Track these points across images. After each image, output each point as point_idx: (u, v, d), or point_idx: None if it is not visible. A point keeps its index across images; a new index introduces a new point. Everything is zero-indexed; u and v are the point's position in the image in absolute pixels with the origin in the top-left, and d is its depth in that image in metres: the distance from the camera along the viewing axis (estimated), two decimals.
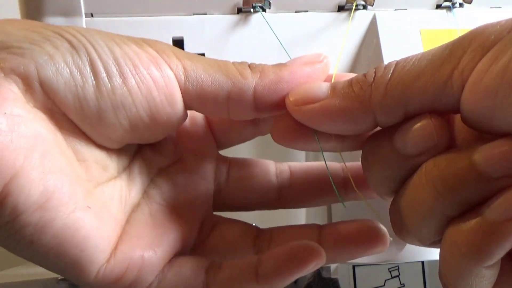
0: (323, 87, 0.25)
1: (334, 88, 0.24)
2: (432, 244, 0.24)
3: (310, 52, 0.42)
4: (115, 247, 0.25)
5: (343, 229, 0.31)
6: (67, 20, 0.39)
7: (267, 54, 0.42)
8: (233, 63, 0.27)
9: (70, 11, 0.39)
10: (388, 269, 0.42)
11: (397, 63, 0.23)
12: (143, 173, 0.29)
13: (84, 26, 0.39)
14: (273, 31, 0.42)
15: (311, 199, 0.33)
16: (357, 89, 0.23)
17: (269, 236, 0.32)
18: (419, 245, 0.25)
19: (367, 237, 0.30)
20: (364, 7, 0.42)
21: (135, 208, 0.28)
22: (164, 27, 0.41)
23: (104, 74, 0.24)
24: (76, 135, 0.25)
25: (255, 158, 0.34)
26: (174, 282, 0.27)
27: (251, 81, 0.26)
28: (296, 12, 0.42)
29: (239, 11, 0.41)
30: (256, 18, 0.42)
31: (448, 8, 0.43)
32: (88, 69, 0.23)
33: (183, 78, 0.26)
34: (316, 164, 0.34)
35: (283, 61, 0.43)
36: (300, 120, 0.25)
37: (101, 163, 0.26)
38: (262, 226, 0.44)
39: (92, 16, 0.40)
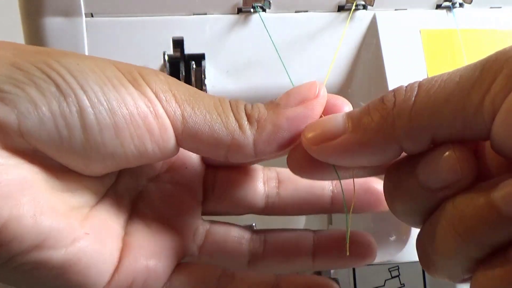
0: (339, 121, 0.23)
1: (351, 119, 0.23)
2: (464, 281, 0.22)
3: (310, 52, 0.43)
4: (119, 262, 0.25)
5: (336, 238, 0.31)
6: (67, 20, 0.39)
7: (267, 54, 0.42)
8: (232, 108, 0.25)
9: (70, 11, 0.39)
10: (388, 269, 0.42)
11: (421, 85, 0.22)
12: (131, 186, 0.28)
13: (84, 26, 0.39)
14: (268, 33, 0.42)
15: (298, 210, 0.33)
16: (377, 118, 0.22)
17: (264, 240, 0.32)
18: (450, 281, 0.23)
19: (357, 249, 0.30)
20: (364, 7, 0.42)
21: (130, 221, 0.27)
22: (164, 27, 0.41)
23: (96, 127, 0.22)
24: (62, 171, 0.23)
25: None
26: None
27: (249, 136, 0.25)
28: (296, 12, 0.42)
29: (239, 11, 0.41)
30: (256, 18, 0.42)
31: (448, 8, 0.43)
32: (77, 120, 0.21)
33: (180, 128, 0.24)
34: None
35: (283, 61, 0.43)
36: (319, 159, 0.24)
37: (91, 188, 0.25)
38: (262, 226, 0.44)
39: (92, 16, 0.40)
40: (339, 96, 0.28)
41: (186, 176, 0.30)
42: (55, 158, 0.22)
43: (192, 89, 0.25)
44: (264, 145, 0.25)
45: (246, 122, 0.25)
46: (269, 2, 0.41)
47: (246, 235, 0.32)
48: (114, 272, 0.24)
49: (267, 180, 0.32)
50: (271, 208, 0.32)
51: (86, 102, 0.22)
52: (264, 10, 0.42)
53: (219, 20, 0.42)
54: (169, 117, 0.24)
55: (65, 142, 0.22)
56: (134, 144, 0.23)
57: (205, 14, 0.41)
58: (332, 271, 0.38)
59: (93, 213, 0.25)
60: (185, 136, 0.24)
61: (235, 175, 0.32)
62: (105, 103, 0.22)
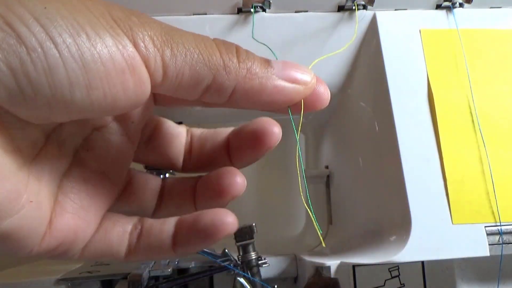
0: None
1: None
2: None
3: (310, 52, 0.43)
4: (50, 222, 0.23)
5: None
6: None
7: (267, 54, 0.42)
8: (219, 46, 0.24)
9: None
10: (388, 269, 0.42)
11: None
12: (76, 133, 0.26)
13: None
14: (254, 36, 0.42)
15: (207, 167, 0.32)
16: None
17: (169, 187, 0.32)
18: None
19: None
20: (364, 7, 0.42)
21: (68, 172, 0.25)
22: None
23: (67, 86, 0.19)
24: (5, 121, 0.20)
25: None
26: (100, 247, 0.26)
27: (233, 79, 0.24)
28: (296, 12, 0.42)
29: (239, 11, 0.41)
30: (256, 18, 0.42)
31: (448, 8, 0.43)
32: (44, 79, 0.19)
33: (159, 78, 0.22)
34: (215, 131, 0.33)
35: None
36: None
37: (33, 136, 0.23)
38: (262, 226, 0.44)
39: None
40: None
41: (130, 129, 0.29)
42: (8, 110, 0.19)
43: (168, 27, 0.23)
44: (242, 95, 0.25)
45: (235, 61, 0.24)
46: (269, 2, 0.41)
47: (157, 182, 0.32)
48: (44, 235, 0.23)
49: (189, 141, 0.33)
50: (186, 165, 0.32)
51: (56, 59, 0.19)
52: (264, 10, 0.42)
53: (219, 20, 0.42)
54: (148, 70, 0.22)
55: (28, 99, 0.19)
56: (106, 102, 0.21)
57: (205, 14, 0.41)
58: (332, 271, 0.38)
59: (34, 169, 0.23)
60: (163, 84, 0.23)
61: (165, 133, 0.32)
62: (79, 60, 0.19)
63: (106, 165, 0.27)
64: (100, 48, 0.20)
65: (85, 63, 0.19)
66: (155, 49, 0.22)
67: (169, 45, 0.22)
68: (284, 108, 0.27)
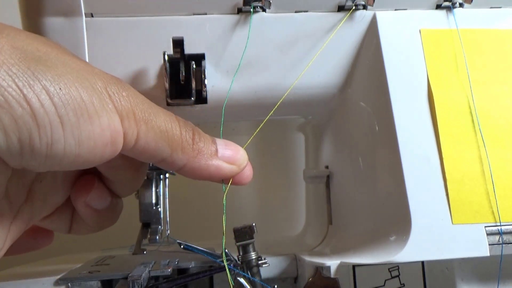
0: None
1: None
2: None
3: (310, 52, 0.43)
4: None
5: None
6: (67, 20, 0.39)
7: (267, 54, 0.42)
8: (181, 127, 0.30)
9: (70, 11, 0.39)
10: (388, 269, 0.42)
11: None
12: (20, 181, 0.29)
13: (84, 26, 0.39)
14: (248, 39, 0.42)
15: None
16: None
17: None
18: None
19: None
20: (364, 7, 0.42)
21: None
22: (164, 27, 0.41)
23: (60, 156, 0.24)
24: None
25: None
26: None
27: (185, 158, 0.30)
28: (296, 12, 0.42)
29: (239, 11, 0.41)
30: (256, 18, 0.42)
31: (448, 8, 0.43)
32: (44, 150, 0.23)
33: (130, 147, 0.27)
34: None
35: (283, 62, 0.43)
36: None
37: None
38: (262, 226, 0.44)
39: (92, 16, 0.40)
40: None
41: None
42: None
43: (147, 102, 0.28)
44: (189, 171, 0.31)
45: (190, 145, 0.30)
46: (269, 2, 0.41)
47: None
48: None
49: None
50: None
51: (60, 136, 0.23)
52: (264, 10, 0.42)
53: (219, 20, 0.42)
54: (124, 140, 0.27)
55: (24, 160, 0.23)
56: (81, 163, 0.26)
57: (205, 14, 0.41)
58: (332, 271, 0.38)
59: None
60: (131, 150, 0.28)
61: None
62: (77, 138, 0.24)
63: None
64: (97, 127, 0.25)
65: (81, 141, 0.24)
66: (135, 124, 0.27)
67: (146, 122, 0.28)
68: (217, 180, 0.33)
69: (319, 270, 0.39)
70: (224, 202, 0.35)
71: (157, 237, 0.48)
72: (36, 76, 0.23)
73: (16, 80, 0.22)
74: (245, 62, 0.42)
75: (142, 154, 0.28)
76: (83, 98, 0.24)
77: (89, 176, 0.33)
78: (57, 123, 0.23)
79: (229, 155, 0.33)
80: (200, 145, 0.31)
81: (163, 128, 0.29)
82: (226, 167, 0.32)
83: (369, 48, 0.43)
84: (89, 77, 0.26)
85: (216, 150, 0.32)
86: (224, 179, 0.33)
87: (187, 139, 0.30)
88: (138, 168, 0.32)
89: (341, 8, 0.42)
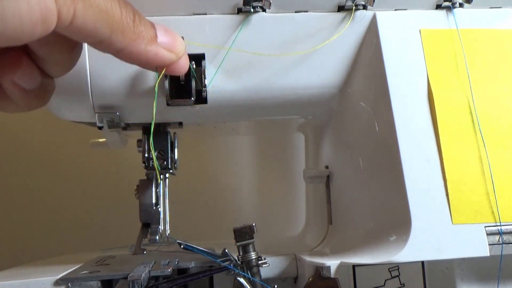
0: None
1: None
2: None
3: (310, 52, 0.43)
4: None
5: None
6: None
7: (266, 56, 0.42)
8: (122, 7, 0.28)
9: None
10: (388, 269, 0.42)
11: None
12: None
13: None
14: (238, 37, 0.42)
15: None
16: None
17: None
18: None
19: None
20: (364, 7, 0.42)
21: None
22: None
23: None
24: None
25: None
26: None
27: (125, 42, 0.29)
28: (296, 12, 0.42)
29: (239, 11, 0.41)
30: (256, 18, 0.42)
31: (448, 8, 0.43)
32: None
33: (65, 25, 0.26)
34: None
35: (283, 62, 0.43)
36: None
37: None
38: (262, 226, 0.44)
39: None
40: None
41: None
42: None
43: None
44: (126, 55, 0.30)
45: (132, 28, 0.29)
46: (269, 2, 0.41)
47: None
48: None
49: None
50: None
51: None
52: (264, 10, 0.42)
53: (219, 20, 0.42)
54: (58, 18, 0.25)
55: None
56: (13, 40, 0.25)
57: (205, 14, 0.41)
58: (332, 271, 0.38)
59: None
60: (66, 29, 0.26)
61: None
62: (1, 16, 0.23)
63: None
64: (23, 3, 0.23)
65: (4, 19, 0.23)
66: (71, 2, 0.25)
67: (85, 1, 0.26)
68: (153, 68, 0.33)
69: (319, 270, 0.40)
70: (156, 90, 0.36)
71: (157, 237, 0.48)
72: None
73: None
74: (245, 62, 0.42)
75: (79, 34, 0.27)
76: None
77: (17, 53, 0.30)
78: None
79: (168, 42, 0.32)
80: (140, 28, 0.30)
81: (102, 7, 0.27)
82: (165, 54, 0.32)
83: (369, 48, 0.43)
84: None
85: (156, 35, 0.31)
86: (159, 66, 0.32)
87: (128, 21, 0.29)
88: (73, 47, 0.31)
89: (341, 8, 0.42)
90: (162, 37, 0.32)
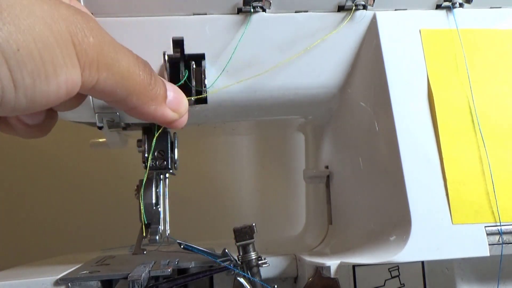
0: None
1: None
2: None
3: (310, 51, 0.43)
4: None
5: None
6: None
7: (267, 54, 0.42)
8: (143, 71, 0.30)
9: None
10: (388, 269, 0.42)
11: None
12: None
13: None
14: (242, 38, 0.42)
15: None
16: None
17: None
18: None
19: None
20: (364, 7, 0.42)
21: None
22: (164, 27, 0.41)
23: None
24: None
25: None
26: None
27: (138, 104, 0.31)
28: (296, 12, 0.42)
29: (239, 11, 0.41)
30: (256, 18, 0.42)
31: (448, 8, 0.43)
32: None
33: (87, 89, 0.27)
34: None
35: (282, 62, 0.43)
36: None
37: None
38: (262, 226, 0.44)
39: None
40: None
41: None
42: None
43: (113, 43, 0.28)
44: (136, 113, 0.32)
45: (147, 93, 0.31)
46: (269, 2, 0.41)
47: None
48: None
49: None
50: None
51: (11, 97, 0.24)
52: (264, 10, 0.42)
53: (219, 20, 0.42)
54: (81, 86, 0.27)
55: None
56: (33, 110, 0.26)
57: (205, 14, 0.41)
58: (332, 271, 0.38)
59: None
60: (88, 92, 0.28)
61: None
62: (30, 98, 0.24)
63: None
64: (53, 86, 0.25)
65: (34, 100, 0.24)
66: (96, 72, 0.27)
67: (108, 68, 0.28)
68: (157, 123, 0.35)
69: (319, 270, 0.40)
70: (153, 143, 0.41)
71: (157, 237, 0.48)
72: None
73: None
74: (245, 62, 0.42)
75: (95, 95, 0.29)
76: (42, 57, 0.24)
77: None
78: (10, 88, 0.23)
79: (175, 104, 0.34)
80: (154, 91, 0.32)
81: (125, 74, 0.29)
82: (170, 115, 0.34)
83: (369, 48, 0.43)
84: (53, 23, 0.24)
85: (166, 96, 0.33)
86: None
87: (145, 85, 0.31)
88: (84, 96, 0.32)
89: (341, 8, 0.42)
90: (170, 98, 0.34)
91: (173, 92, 0.34)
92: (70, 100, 0.30)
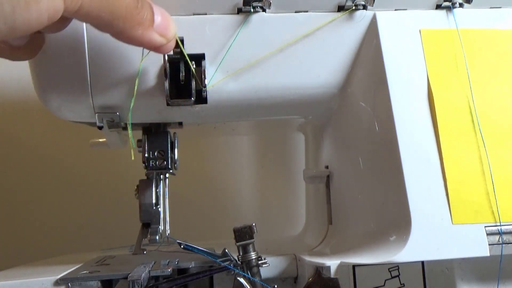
0: None
1: None
2: None
3: (310, 52, 0.43)
4: None
5: None
6: None
7: (267, 54, 0.42)
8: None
9: None
10: (388, 269, 0.42)
11: None
12: None
13: (85, 26, 0.39)
14: (237, 37, 0.42)
15: None
16: None
17: None
18: None
19: None
20: (364, 7, 0.42)
21: None
22: None
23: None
24: None
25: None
26: None
27: (125, 28, 0.31)
28: (296, 12, 0.42)
29: (239, 11, 0.41)
30: (256, 18, 0.42)
31: (448, 8, 0.43)
32: None
33: (70, 14, 0.27)
34: None
35: (283, 62, 0.43)
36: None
37: None
38: (262, 226, 0.44)
39: None
40: None
41: None
42: None
43: None
44: (122, 37, 0.32)
45: (133, 17, 0.31)
46: (269, 2, 0.41)
47: None
48: None
49: None
50: None
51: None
52: (264, 10, 0.42)
53: (219, 20, 0.42)
54: (64, 11, 0.26)
55: None
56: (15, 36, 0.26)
57: (205, 14, 0.41)
58: (332, 271, 0.38)
59: None
60: (71, 15, 0.28)
61: None
62: (10, 25, 0.25)
63: None
64: (34, 13, 0.25)
65: (14, 27, 0.25)
66: None
67: None
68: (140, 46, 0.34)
69: (319, 270, 0.40)
70: (140, 67, 0.39)
71: (157, 237, 0.48)
72: None
73: None
74: (245, 62, 0.42)
75: (80, 18, 0.29)
76: None
77: None
78: None
79: (163, 28, 0.34)
80: (141, 15, 0.31)
81: None
82: (157, 39, 0.34)
83: (369, 48, 0.43)
84: None
85: (153, 20, 0.33)
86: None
87: (131, 10, 0.30)
88: (69, 19, 0.32)
89: (341, 8, 0.42)
90: (158, 22, 0.33)
91: (161, 16, 0.34)
92: (54, 24, 0.30)
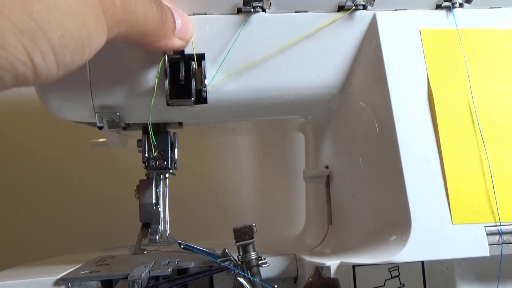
0: None
1: None
2: None
3: (310, 51, 0.43)
4: None
5: None
6: None
7: (267, 54, 0.42)
8: (156, 14, 0.32)
9: None
10: (388, 269, 0.42)
11: None
12: None
13: None
14: (239, 37, 0.42)
15: None
16: None
17: None
18: None
19: None
20: (364, 7, 0.42)
21: None
22: None
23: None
24: None
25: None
26: None
27: (151, 41, 0.33)
28: (296, 12, 0.42)
29: (239, 11, 0.41)
30: (256, 18, 0.42)
31: (448, 8, 0.43)
32: None
33: (113, 35, 0.29)
34: None
35: (283, 63, 0.43)
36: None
37: None
38: (262, 226, 0.44)
39: None
40: None
41: None
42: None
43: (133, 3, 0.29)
44: (146, 46, 0.34)
45: (159, 31, 0.33)
46: (269, 2, 0.41)
47: None
48: None
49: None
50: None
51: (54, 74, 0.25)
52: (264, 10, 0.42)
53: (219, 20, 0.42)
54: (107, 38, 0.28)
55: None
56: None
57: (205, 14, 0.41)
58: (332, 271, 0.38)
59: None
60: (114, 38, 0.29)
61: None
62: (67, 69, 0.26)
63: None
64: (86, 56, 0.27)
65: (68, 68, 0.26)
66: (118, 29, 0.29)
67: (127, 22, 0.29)
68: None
69: (319, 270, 0.40)
70: (159, 68, 0.40)
71: (157, 237, 0.48)
72: (39, 25, 0.23)
73: (22, 39, 0.22)
74: (245, 62, 0.42)
75: (110, 41, 0.30)
76: (81, 35, 0.25)
77: None
78: (54, 68, 0.25)
79: (183, 33, 0.36)
80: (165, 27, 0.34)
81: (141, 21, 0.30)
82: (177, 44, 0.36)
83: (369, 48, 0.43)
84: None
85: (175, 28, 0.35)
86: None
87: (158, 25, 0.32)
88: None
89: (341, 8, 0.42)
90: (178, 27, 0.36)
91: (181, 20, 0.36)
92: None
